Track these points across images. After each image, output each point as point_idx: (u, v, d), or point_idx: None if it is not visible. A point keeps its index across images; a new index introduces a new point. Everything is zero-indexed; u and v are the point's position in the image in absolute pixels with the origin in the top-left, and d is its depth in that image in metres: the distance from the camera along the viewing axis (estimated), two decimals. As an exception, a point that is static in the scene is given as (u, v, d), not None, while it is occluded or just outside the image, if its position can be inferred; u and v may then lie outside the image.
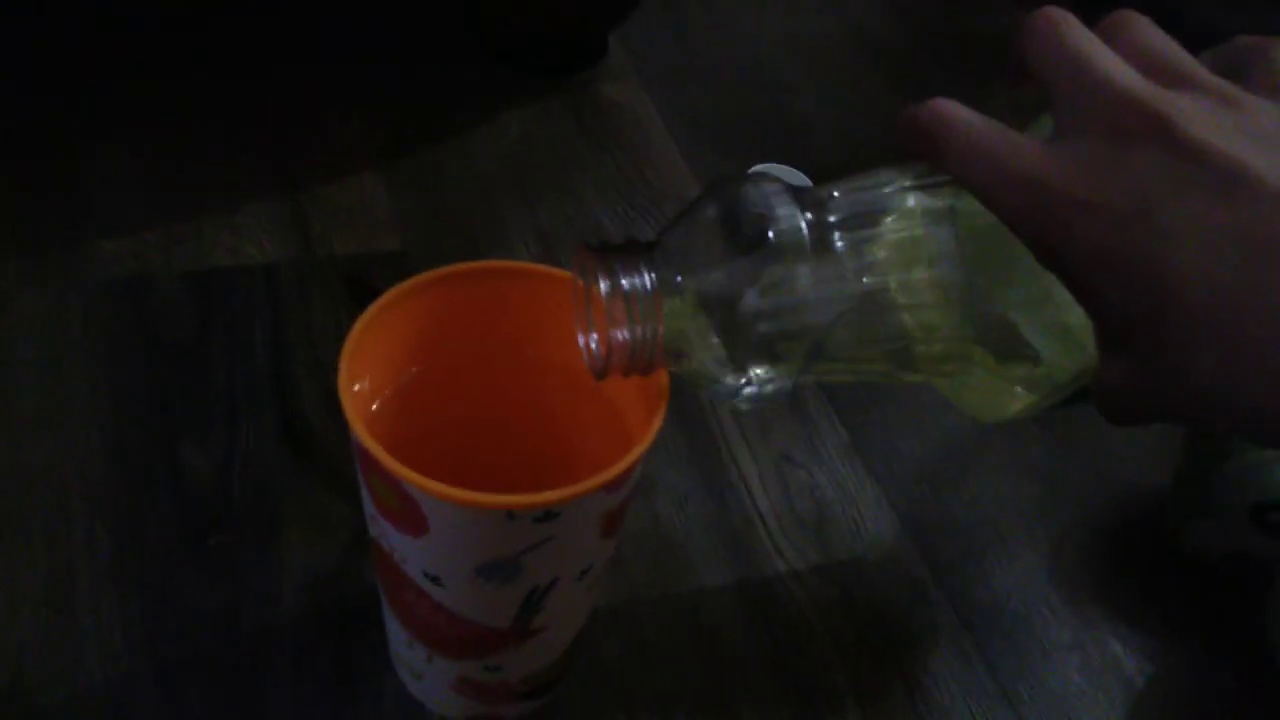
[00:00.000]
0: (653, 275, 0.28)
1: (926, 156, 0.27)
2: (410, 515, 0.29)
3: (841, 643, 0.43)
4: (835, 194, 0.29)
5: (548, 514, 0.28)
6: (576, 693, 0.40)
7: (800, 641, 0.43)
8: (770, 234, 0.27)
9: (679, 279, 0.28)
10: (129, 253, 0.52)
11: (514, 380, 0.36)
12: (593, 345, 0.30)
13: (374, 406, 0.33)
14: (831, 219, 0.28)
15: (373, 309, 0.32)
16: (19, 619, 0.39)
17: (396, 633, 0.36)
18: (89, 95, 0.61)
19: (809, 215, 0.28)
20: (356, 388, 0.31)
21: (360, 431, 0.28)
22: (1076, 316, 0.26)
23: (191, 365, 0.48)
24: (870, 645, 0.43)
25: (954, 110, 0.26)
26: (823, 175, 0.30)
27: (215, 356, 0.49)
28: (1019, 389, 0.31)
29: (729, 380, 0.29)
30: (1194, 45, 0.27)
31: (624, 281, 0.28)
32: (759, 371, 0.28)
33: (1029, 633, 0.45)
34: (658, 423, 0.30)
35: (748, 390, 0.29)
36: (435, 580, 0.31)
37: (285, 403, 0.47)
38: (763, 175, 0.29)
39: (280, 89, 0.64)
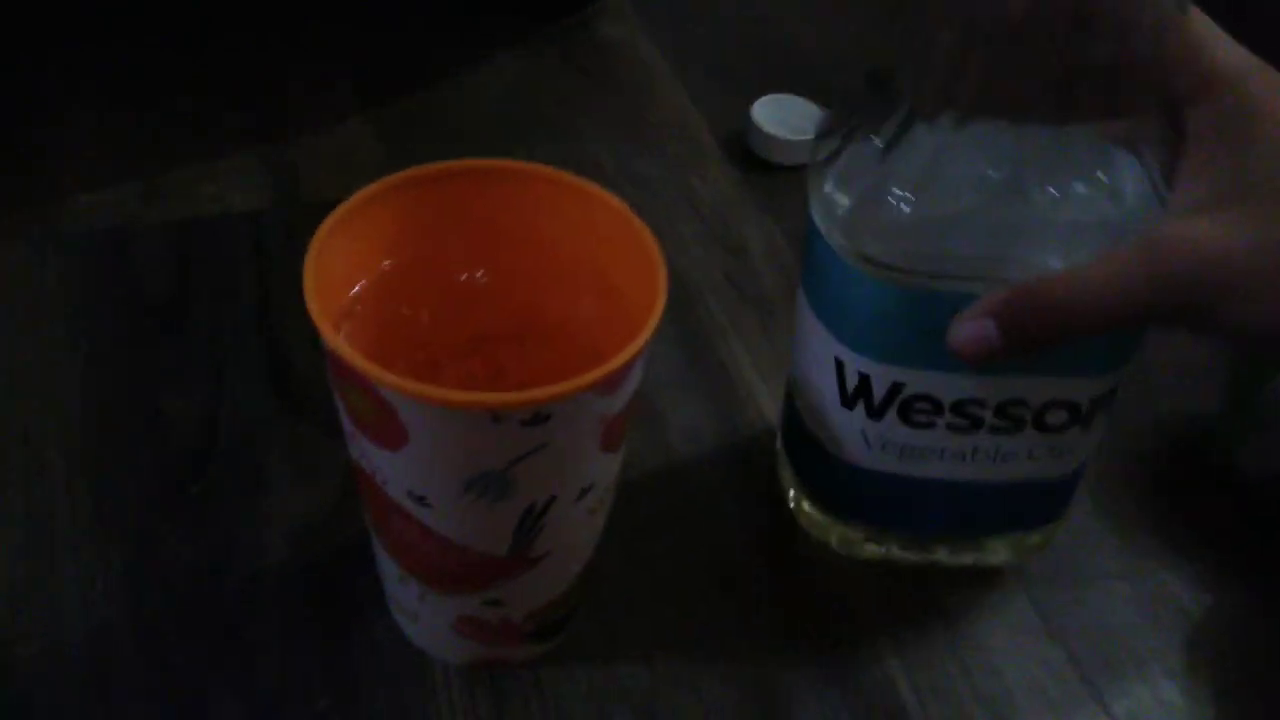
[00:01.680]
0: None
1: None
2: (387, 424, 0.26)
3: (873, 580, 0.40)
4: None
5: (537, 416, 0.26)
6: (588, 635, 0.37)
7: (828, 580, 0.40)
8: None
9: None
10: (108, 204, 0.50)
11: (510, 283, 0.33)
12: None
13: (348, 316, 0.30)
14: None
15: (343, 207, 0.29)
16: (-8, 575, 0.36)
17: (388, 568, 0.33)
18: (67, 46, 0.59)
19: None
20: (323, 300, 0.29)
21: (329, 334, 0.26)
22: None
23: (174, 318, 0.46)
24: (904, 581, 0.40)
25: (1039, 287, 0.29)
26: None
27: (199, 309, 0.46)
28: None
29: None
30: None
31: None
32: None
33: (1075, 565, 0.41)
34: (655, 316, 0.27)
35: None
36: (421, 501, 0.28)
37: (272, 353, 0.45)
38: None
39: (266, 37, 0.61)
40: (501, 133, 0.58)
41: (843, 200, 0.31)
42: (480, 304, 0.33)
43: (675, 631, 0.38)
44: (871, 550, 0.40)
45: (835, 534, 0.40)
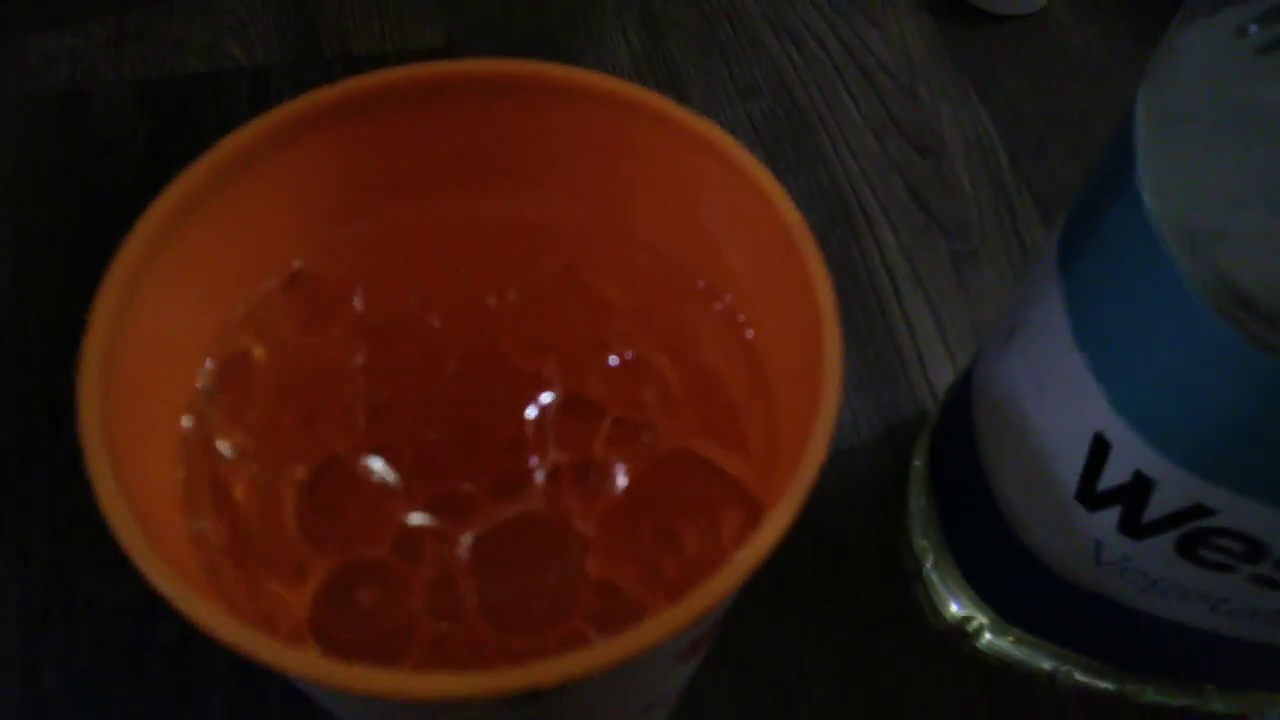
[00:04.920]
0: None
1: None
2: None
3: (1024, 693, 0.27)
4: None
5: (536, 694, 0.12)
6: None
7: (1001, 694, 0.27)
8: None
9: None
10: (65, 54, 0.37)
11: (516, 326, 0.19)
12: None
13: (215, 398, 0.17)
14: None
15: (188, 178, 0.15)
16: None
17: None
18: None
19: None
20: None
21: (115, 511, 0.12)
22: None
23: (133, 213, 0.33)
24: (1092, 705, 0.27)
25: None
26: None
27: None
28: None
29: None
30: None
31: None
32: None
33: None
34: (809, 468, 0.13)
35: None
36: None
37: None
38: None
39: None
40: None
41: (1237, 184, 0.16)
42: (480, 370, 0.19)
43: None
44: (1026, 656, 0.26)
45: (981, 623, 0.26)
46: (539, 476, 0.16)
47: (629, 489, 0.16)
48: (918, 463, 0.28)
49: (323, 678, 0.11)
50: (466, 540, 0.15)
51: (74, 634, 0.26)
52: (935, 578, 0.27)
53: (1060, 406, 0.21)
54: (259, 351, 0.17)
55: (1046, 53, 0.40)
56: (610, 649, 0.11)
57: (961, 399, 0.25)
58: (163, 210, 0.15)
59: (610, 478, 0.16)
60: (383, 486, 0.15)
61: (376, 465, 0.16)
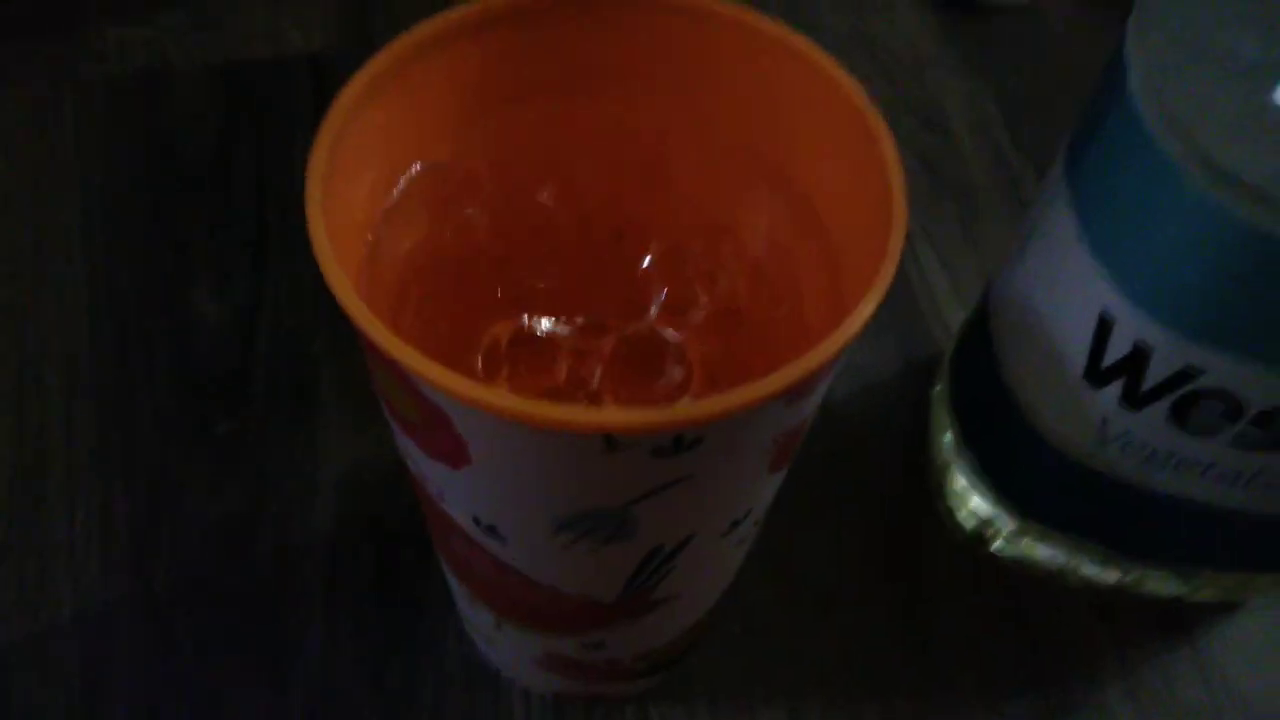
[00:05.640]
0: None
1: None
2: (439, 434, 0.17)
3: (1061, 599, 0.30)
4: None
5: (679, 442, 0.15)
6: (714, 660, 0.28)
7: (1027, 598, 0.30)
8: None
9: None
10: (140, 41, 0.40)
11: (640, 184, 0.22)
12: None
13: (385, 231, 0.20)
14: None
15: (375, 65, 0.18)
16: (-33, 528, 0.29)
17: (453, 584, 0.24)
18: None
19: None
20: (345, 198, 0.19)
21: (334, 274, 0.15)
22: None
23: (211, 184, 0.36)
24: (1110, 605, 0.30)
25: None
26: None
27: (241, 174, 0.37)
28: None
29: None
30: None
31: None
32: None
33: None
34: (886, 274, 0.16)
35: None
36: (492, 531, 0.19)
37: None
38: None
39: None
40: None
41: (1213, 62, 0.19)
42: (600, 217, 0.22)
43: (823, 655, 0.28)
44: (1040, 554, 0.29)
45: (996, 526, 0.29)
46: (653, 307, 0.19)
47: (723, 316, 0.19)
48: (938, 387, 0.32)
49: (497, 404, 0.14)
50: (605, 349, 0.18)
51: (180, 540, 0.29)
52: (957, 486, 0.30)
53: (1068, 295, 0.24)
54: (412, 223, 0.20)
55: (1040, 37, 0.44)
56: (742, 394, 0.14)
57: (978, 318, 0.29)
58: (354, 91, 0.18)
59: (707, 307, 0.19)
60: (542, 329, 0.19)
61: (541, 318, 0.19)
